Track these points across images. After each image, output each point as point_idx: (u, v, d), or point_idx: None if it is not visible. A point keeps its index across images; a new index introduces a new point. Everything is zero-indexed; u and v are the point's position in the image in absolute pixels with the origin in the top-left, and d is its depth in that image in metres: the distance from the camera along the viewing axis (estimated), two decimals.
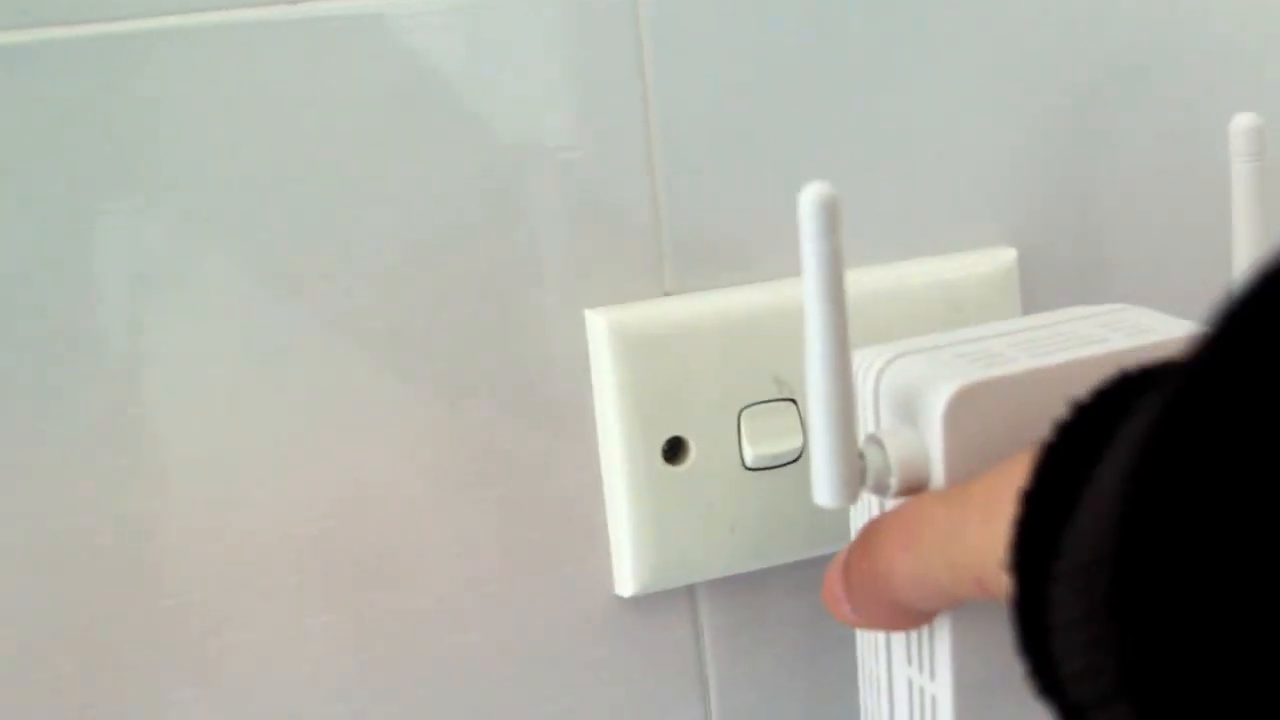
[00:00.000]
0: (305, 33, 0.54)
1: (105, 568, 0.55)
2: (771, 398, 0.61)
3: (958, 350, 0.54)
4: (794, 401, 0.61)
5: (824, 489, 0.51)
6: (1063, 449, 0.42)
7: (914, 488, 0.51)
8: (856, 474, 0.51)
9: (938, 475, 0.51)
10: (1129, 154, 0.66)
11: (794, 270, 0.59)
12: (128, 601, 0.56)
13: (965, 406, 0.51)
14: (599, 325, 0.59)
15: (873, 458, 0.52)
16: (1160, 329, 0.55)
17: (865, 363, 0.54)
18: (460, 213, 0.57)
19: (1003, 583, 0.43)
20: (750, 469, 0.62)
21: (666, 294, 0.61)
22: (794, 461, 0.61)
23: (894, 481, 0.51)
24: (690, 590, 0.63)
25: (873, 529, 0.51)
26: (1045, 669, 0.39)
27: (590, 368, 0.60)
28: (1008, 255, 0.66)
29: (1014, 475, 0.43)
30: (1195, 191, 0.68)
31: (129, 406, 0.55)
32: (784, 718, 0.66)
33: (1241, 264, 0.59)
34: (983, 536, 0.45)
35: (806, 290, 0.49)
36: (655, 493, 0.61)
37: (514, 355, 0.59)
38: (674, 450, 0.61)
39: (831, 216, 0.48)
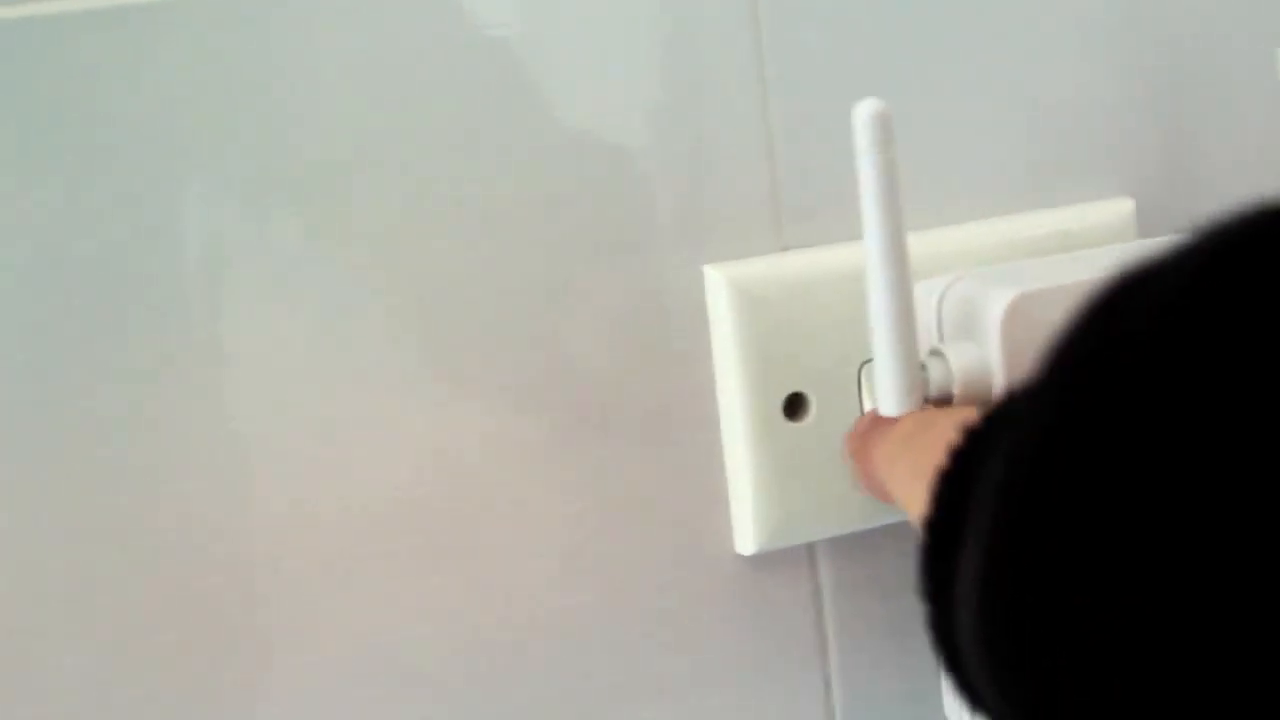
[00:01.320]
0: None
1: (197, 545, 0.59)
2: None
3: (1018, 268, 0.57)
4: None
5: (888, 400, 0.54)
6: (954, 475, 0.44)
7: (976, 397, 0.54)
8: (919, 385, 0.54)
9: (999, 383, 0.53)
10: (1245, 103, 0.67)
11: (912, 224, 0.62)
12: (224, 575, 0.60)
13: (1021, 314, 0.53)
14: (718, 281, 0.63)
15: (935, 369, 0.54)
16: None
17: (930, 287, 0.57)
18: (578, 170, 0.62)
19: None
20: None
21: (785, 249, 0.64)
22: None
23: (957, 391, 0.54)
24: (810, 549, 0.66)
25: (875, 435, 0.55)
26: (968, 686, 0.41)
27: (709, 324, 0.63)
28: (1126, 206, 0.68)
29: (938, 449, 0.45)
30: None
31: (216, 388, 0.59)
32: (902, 676, 0.68)
33: None
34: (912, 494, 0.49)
35: (864, 202, 0.53)
36: (776, 449, 0.64)
37: (633, 312, 0.63)
38: (794, 406, 0.64)
39: (884, 129, 0.52)
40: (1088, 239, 0.66)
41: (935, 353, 0.55)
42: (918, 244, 0.63)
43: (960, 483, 0.42)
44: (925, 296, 0.57)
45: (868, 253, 0.53)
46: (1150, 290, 0.32)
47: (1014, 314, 0.53)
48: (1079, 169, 0.67)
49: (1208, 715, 0.28)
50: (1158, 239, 0.62)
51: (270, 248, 0.58)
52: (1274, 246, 0.30)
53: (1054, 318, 0.53)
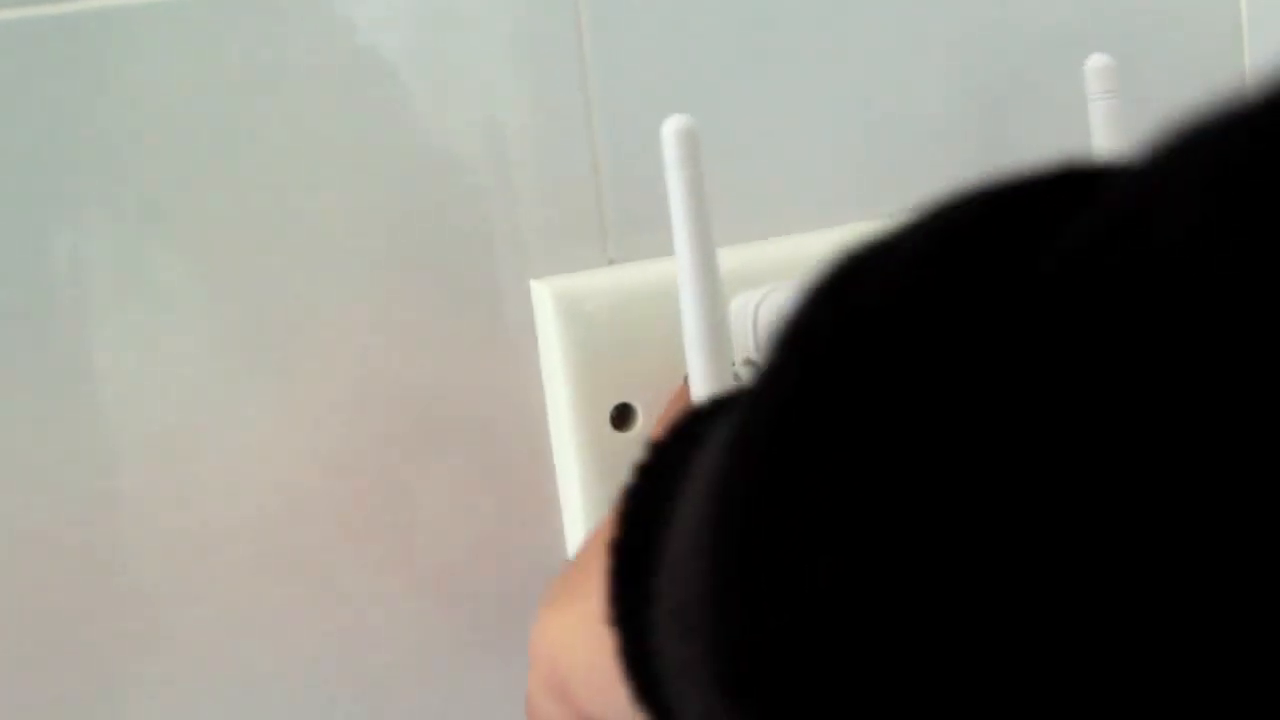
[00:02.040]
0: (253, 9, 0.61)
1: (66, 551, 0.61)
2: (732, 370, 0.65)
3: None
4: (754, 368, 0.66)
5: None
6: (643, 491, 0.43)
7: None
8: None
9: None
10: (1066, 117, 0.69)
11: (739, 237, 0.64)
12: (89, 583, 0.61)
13: None
14: (544, 295, 0.65)
15: (747, 378, 0.56)
16: None
17: (748, 298, 0.59)
18: (406, 188, 0.63)
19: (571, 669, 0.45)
20: None
21: (611, 262, 0.66)
22: None
23: None
24: None
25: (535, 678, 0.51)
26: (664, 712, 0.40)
27: (537, 337, 0.65)
28: None
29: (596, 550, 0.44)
30: None
31: (86, 386, 0.61)
32: None
33: None
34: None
35: (673, 216, 0.54)
36: (604, 459, 0.65)
37: (461, 327, 0.64)
38: (623, 417, 0.66)
39: (690, 145, 0.54)
40: None
41: (748, 362, 0.57)
42: (749, 255, 0.65)
43: (651, 499, 0.41)
44: (743, 307, 0.59)
45: (679, 266, 0.55)
46: (877, 268, 0.32)
47: None
48: (906, 180, 0.70)
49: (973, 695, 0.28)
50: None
51: (121, 261, 0.59)
52: (997, 221, 0.31)
53: None
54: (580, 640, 0.47)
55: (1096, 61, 0.62)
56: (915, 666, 0.28)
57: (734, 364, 0.57)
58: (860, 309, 0.31)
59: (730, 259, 0.64)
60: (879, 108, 0.70)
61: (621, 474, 0.63)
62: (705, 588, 0.33)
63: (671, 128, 0.54)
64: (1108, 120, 0.63)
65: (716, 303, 0.55)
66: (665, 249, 0.62)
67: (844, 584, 0.29)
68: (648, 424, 0.65)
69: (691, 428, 0.42)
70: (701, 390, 0.56)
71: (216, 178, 0.60)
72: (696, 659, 0.34)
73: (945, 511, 0.28)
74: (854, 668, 0.29)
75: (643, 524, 0.41)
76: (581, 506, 0.65)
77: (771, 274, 0.66)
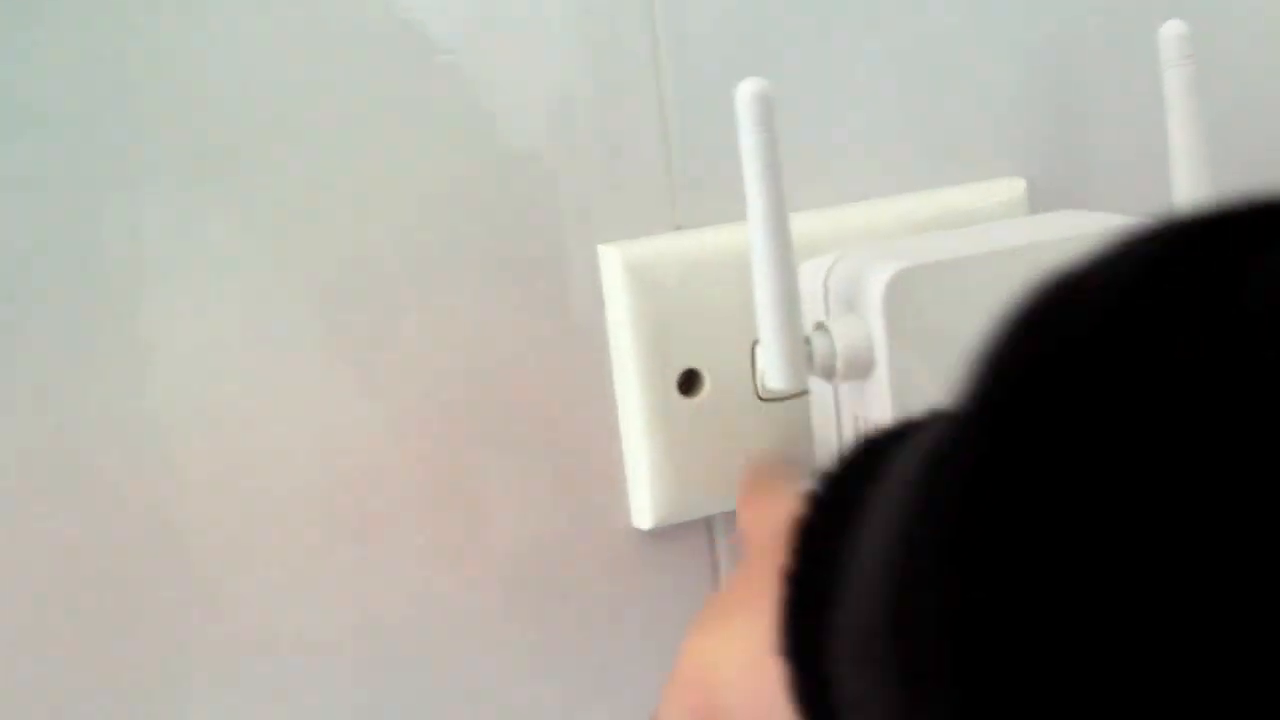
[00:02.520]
0: None
1: (130, 518, 0.61)
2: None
3: (904, 245, 0.59)
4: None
5: (774, 372, 0.56)
6: (817, 523, 0.43)
7: (859, 370, 0.56)
8: (803, 358, 0.56)
9: (881, 357, 0.56)
10: (1131, 83, 0.69)
11: (805, 203, 0.65)
12: (152, 550, 0.62)
13: (903, 289, 0.56)
14: (613, 260, 0.65)
15: (819, 343, 0.57)
16: (1092, 225, 0.59)
17: (818, 264, 0.59)
18: (474, 154, 0.64)
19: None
20: (764, 400, 0.66)
21: (678, 228, 0.67)
22: (808, 392, 0.65)
23: (839, 365, 0.56)
24: (708, 523, 0.68)
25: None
26: None
27: (605, 302, 0.66)
28: (1018, 185, 0.70)
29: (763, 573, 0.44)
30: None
31: (147, 354, 0.61)
32: None
33: (1180, 172, 0.62)
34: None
35: (746, 179, 0.55)
36: (670, 425, 0.66)
37: (530, 292, 0.65)
38: (689, 383, 0.66)
39: (765, 108, 0.54)
40: (980, 218, 0.69)
41: (820, 327, 0.57)
42: (814, 222, 0.66)
43: (825, 531, 0.42)
44: (813, 272, 0.60)
45: (751, 229, 0.55)
46: (1081, 299, 0.32)
47: (895, 288, 0.56)
48: (972, 149, 0.71)
49: None
50: (1043, 214, 0.65)
51: (185, 234, 0.59)
52: (1198, 253, 0.31)
53: (936, 292, 0.56)
54: (740, 669, 0.47)
55: (1172, 28, 0.62)
56: None
57: (805, 329, 0.57)
58: (1068, 340, 0.31)
59: (799, 225, 0.64)
60: (950, 75, 0.70)
61: (687, 439, 0.64)
62: (901, 622, 0.33)
63: (746, 91, 0.54)
64: (1184, 88, 0.63)
65: (788, 267, 0.56)
66: (732, 215, 0.62)
67: (1069, 624, 0.29)
68: (714, 389, 0.66)
69: (865, 460, 0.42)
70: (773, 355, 0.56)
71: (281, 144, 0.60)
72: (883, 692, 0.34)
73: (1182, 567, 0.28)
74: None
75: (818, 556, 0.41)
76: (648, 472, 0.66)
77: (841, 240, 0.66)
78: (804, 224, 0.67)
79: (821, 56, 0.68)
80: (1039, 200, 0.72)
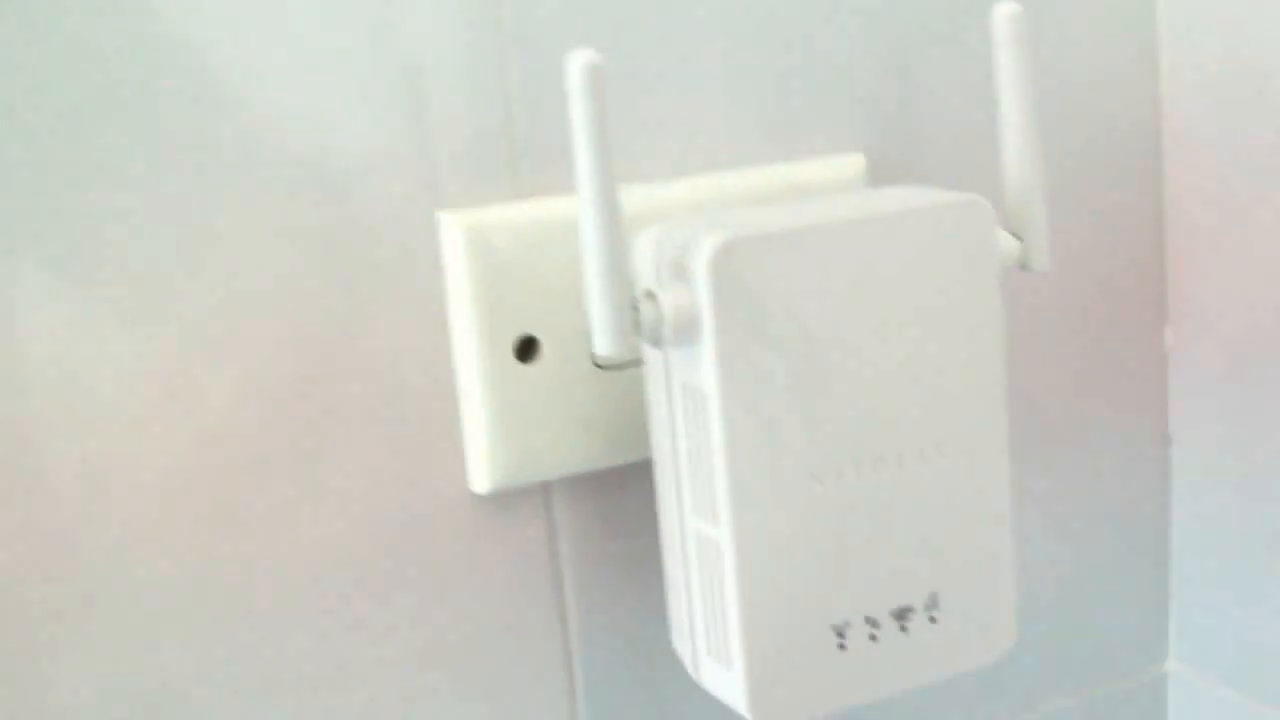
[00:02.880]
0: None
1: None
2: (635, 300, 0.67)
3: (735, 214, 0.61)
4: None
5: (600, 338, 0.57)
6: None
7: (686, 337, 0.58)
8: (630, 324, 0.57)
9: (707, 324, 0.57)
10: (970, 60, 0.71)
11: (646, 175, 0.66)
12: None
13: (729, 258, 0.57)
14: (451, 226, 0.66)
15: (646, 310, 0.58)
16: (921, 200, 0.61)
17: (650, 234, 0.60)
18: (309, 117, 0.64)
19: None
20: (601, 368, 0.68)
21: (519, 196, 0.67)
22: (642, 361, 0.66)
23: (666, 331, 0.58)
24: (545, 487, 0.69)
25: None
26: None
27: (443, 269, 0.66)
28: (857, 161, 0.72)
29: None
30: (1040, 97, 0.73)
31: None
32: (638, 612, 0.72)
33: (1009, 149, 0.64)
34: None
35: (576, 147, 0.56)
36: (507, 390, 0.67)
37: (368, 258, 0.66)
38: (527, 350, 0.68)
39: (596, 79, 0.55)
40: (819, 192, 0.71)
41: (648, 294, 0.58)
42: (653, 194, 0.67)
43: None
44: (646, 241, 0.61)
45: (579, 198, 0.57)
46: None
47: (722, 257, 0.57)
48: (814, 125, 0.72)
49: None
50: (877, 189, 0.66)
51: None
52: None
53: (763, 261, 0.58)
54: None
55: (1004, 8, 0.64)
56: None
57: (634, 297, 0.59)
58: None
59: (639, 196, 0.66)
60: (792, 51, 0.72)
61: (524, 405, 0.66)
62: None
63: (576, 62, 0.56)
64: (1014, 67, 0.65)
65: (615, 235, 0.57)
66: (572, 184, 0.63)
67: None
68: (552, 357, 0.67)
69: None
70: (599, 321, 0.58)
71: (108, 115, 0.61)
72: None
73: None
74: None
75: None
76: (485, 436, 0.67)
77: (679, 212, 0.68)
78: (643, 195, 0.68)
79: (666, 29, 0.69)
80: (879, 175, 0.74)
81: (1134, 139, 0.82)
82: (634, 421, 0.69)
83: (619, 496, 0.71)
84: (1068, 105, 0.79)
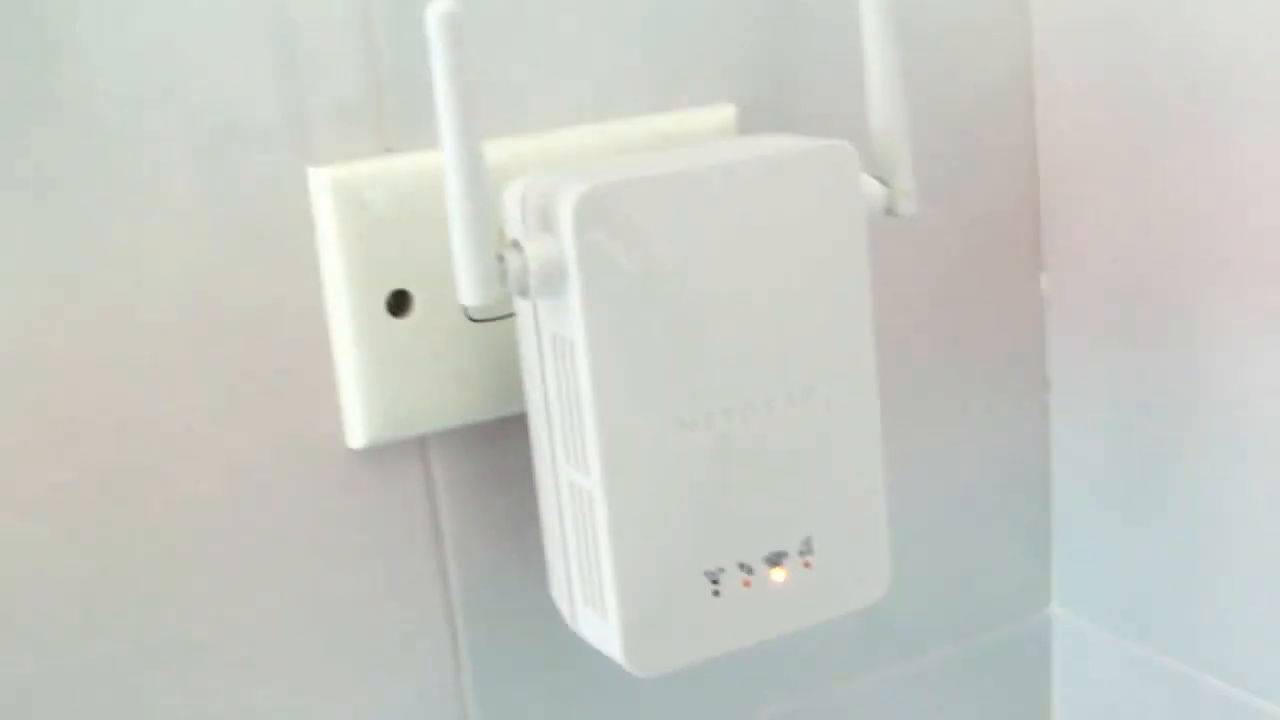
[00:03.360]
0: None
1: None
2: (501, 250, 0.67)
3: (600, 165, 0.61)
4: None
5: (466, 288, 0.58)
6: None
7: (551, 287, 0.58)
8: (495, 273, 0.58)
9: (572, 274, 0.57)
10: (846, 9, 0.72)
11: (516, 129, 0.67)
12: None
13: (593, 207, 0.58)
14: (322, 182, 0.66)
15: (512, 260, 0.58)
16: (787, 147, 0.61)
17: (517, 185, 0.61)
18: (178, 73, 0.64)
19: None
20: (474, 320, 0.68)
21: (389, 150, 0.67)
22: (514, 314, 0.67)
23: (532, 281, 0.58)
24: (422, 441, 0.70)
25: None
26: None
27: (315, 224, 0.66)
28: (727, 111, 0.72)
29: None
30: (910, 37, 0.73)
31: None
32: (518, 564, 0.72)
33: (875, 99, 0.65)
34: None
35: (438, 99, 0.56)
36: (380, 345, 0.67)
37: (239, 214, 0.65)
38: (399, 303, 0.68)
39: (454, 30, 0.55)
40: (690, 142, 0.71)
41: (514, 244, 0.59)
42: (527, 146, 0.67)
43: None
44: (514, 193, 0.61)
45: (444, 149, 0.57)
46: None
47: (585, 205, 0.58)
48: (685, 76, 0.73)
49: None
50: (743, 137, 0.67)
51: None
52: None
53: (627, 210, 0.58)
54: None
55: None
56: None
57: (500, 248, 0.59)
58: None
59: (508, 148, 0.66)
60: (658, 3, 0.72)
61: (398, 359, 0.66)
62: None
63: (435, 12, 0.56)
64: (879, 17, 0.65)
65: (479, 186, 0.57)
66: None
67: None
68: (424, 310, 0.67)
69: None
70: (463, 271, 0.58)
71: None
72: None
73: None
74: None
75: None
76: (359, 390, 0.67)
77: (549, 164, 0.68)
78: (515, 148, 0.68)
79: None
80: (750, 126, 0.74)
81: (1007, 87, 0.83)
82: (509, 374, 0.69)
83: (497, 449, 0.71)
84: (941, 52, 0.80)
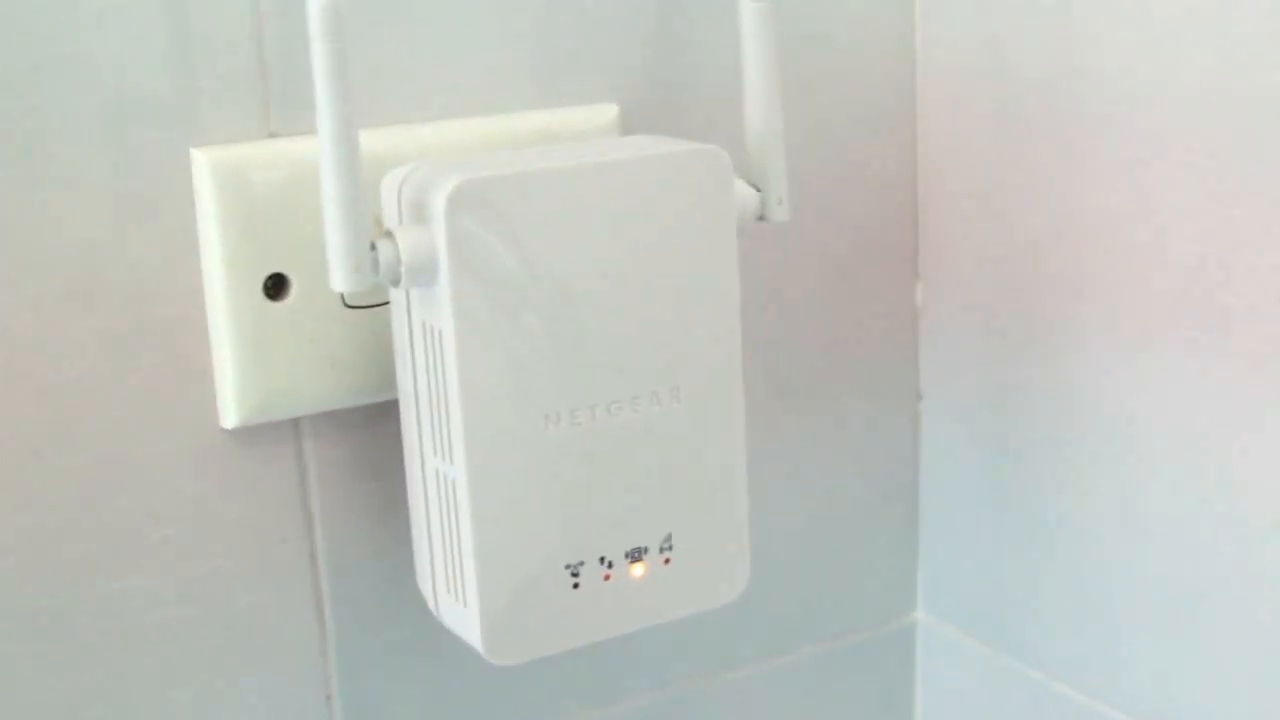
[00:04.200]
0: None
1: None
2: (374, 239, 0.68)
3: (478, 159, 0.62)
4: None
5: (337, 274, 0.58)
6: None
7: (422, 278, 0.59)
8: (367, 262, 0.58)
9: (443, 265, 0.58)
10: (729, 15, 0.73)
11: (400, 118, 0.67)
12: None
13: (464, 200, 0.58)
14: (203, 164, 0.67)
15: (384, 249, 0.59)
16: (661, 148, 0.63)
17: (394, 176, 0.61)
18: (71, 50, 0.64)
19: None
20: (350, 307, 0.68)
21: (272, 135, 0.68)
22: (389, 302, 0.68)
23: (403, 271, 0.58)
24: (295, 424, 0.70)
25: None
26: None
27: (195, 206, 0.67)
28: (610, 110, 0.73)
29: None
30: (795, 47, 0.75)
31: None
32: (387, 551, 0.73)
33: (751, 104, 0.66)
34: None
35: (316, 87, 0.57)
36: (256, 328, 0.68)
37: (120, 192, 0.66)
38: (277, 287, 0.68)
39: (334, 19, 0.56)
40: (572, 139, 0.72)
41: (387, 234, 0.59)
42: (402, 136, 0.68)
43: None
44: (391, 183, 0.62)
45: (319, 137, 0.57)
46: None
47: (457, 199, 0.59)
48: (569, 74, 0.74)
49: None
50: (622, 138, 0.68)
51: None
52: None
53: (498, 204, 0.59)
54: None
55: None
56: None
57: (373, 237, 0.60)
58: None
59: (388, 139, 0.67)
60: (541, 5, 0.72)
61: (274, 342, 0.66)
62: None
63: (316, 2, 0.56)
64: (757, 23, 0.67)
65: (352, 175, 0.58)
66: None
67: None
68: (301, 295, 0.68)
69: None
70: (335, 258, 0.59)
71: None
72: None
73: None
74: None
75: None
76: (233, 371, 0.68)
77: (429, 155, 0.69)
78: (397, 137, 0.69)
79: None
80: (632, 127, 0.75)
81: (889, 96, 0.85)
82: (383, 361, 0.70)
83: (370, 436, 0.72)
84: (823, 59, 0.81)
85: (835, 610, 0.91)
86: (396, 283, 0.60)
